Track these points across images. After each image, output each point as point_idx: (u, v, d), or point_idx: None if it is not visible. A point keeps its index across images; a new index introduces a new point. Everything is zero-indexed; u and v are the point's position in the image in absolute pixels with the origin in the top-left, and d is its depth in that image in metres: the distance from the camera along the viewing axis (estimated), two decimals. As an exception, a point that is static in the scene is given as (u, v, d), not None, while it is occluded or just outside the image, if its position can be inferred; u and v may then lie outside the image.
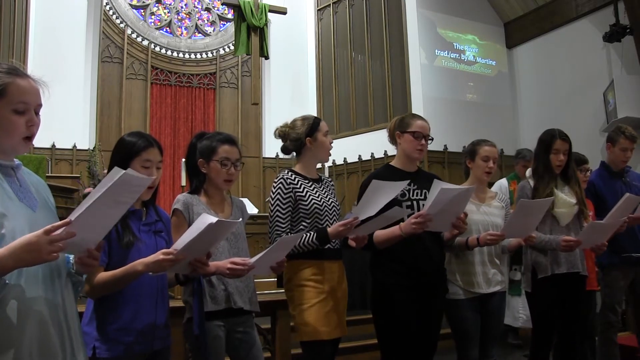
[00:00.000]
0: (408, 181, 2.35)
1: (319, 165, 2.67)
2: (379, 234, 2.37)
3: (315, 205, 2.40)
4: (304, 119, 2.55)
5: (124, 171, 1.29)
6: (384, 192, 2.17)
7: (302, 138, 2.50)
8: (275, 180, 2.45)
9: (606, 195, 3.36)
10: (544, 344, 2.84)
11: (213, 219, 1.65)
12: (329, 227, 2.33)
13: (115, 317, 1.77)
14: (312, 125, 2.50)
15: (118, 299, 1.78)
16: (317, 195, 2.45)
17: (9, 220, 1.30)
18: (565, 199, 2.80)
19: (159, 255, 1.65)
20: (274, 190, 2.42)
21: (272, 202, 2.42)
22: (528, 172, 3.03)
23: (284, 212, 2.38)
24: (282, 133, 2.56)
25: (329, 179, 2.68)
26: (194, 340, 2.07)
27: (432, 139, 2.58)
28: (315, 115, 2.87)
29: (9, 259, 1.20)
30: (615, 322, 3.35)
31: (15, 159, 1.42)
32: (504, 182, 4.57)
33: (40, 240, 1.20)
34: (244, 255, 2.15)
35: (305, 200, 2.40)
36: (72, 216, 1.26)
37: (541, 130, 3.00)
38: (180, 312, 2.19)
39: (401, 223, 2.32)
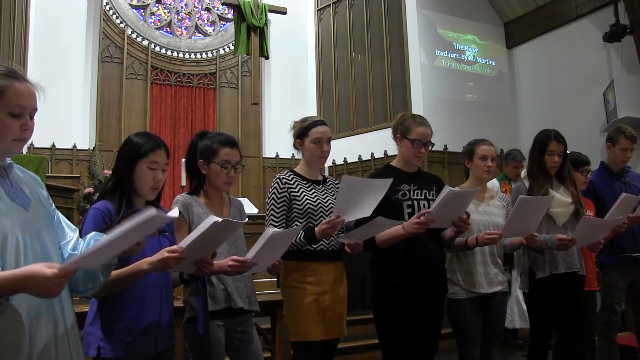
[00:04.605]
0: (391, 180, 2.22)
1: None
2: (382, 234, 2.37)
3: (309, 205, 2.40)
4: (304, 120, 2.55)
5: (153, 210, 1.34)
6: (367, 191, 2.14)
7: (294, 138, 2.54)
8: (273, 180, 2.48)
9: (605, 195, 3.35)
10: (542, 344, 2.83)
11: (219, 218, 1.65)
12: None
13: (119, 317, 1.77)
14: (303, 129, 2.50)
15: (122, 298, 1.77)
16: (312, 195, 2.44)
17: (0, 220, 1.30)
18: (561, 198, 2.79)
19: (163, 253, 1.65)
20: (270, 190, 2.46)
21: (268, 202, 2.45)
22: (523, 172, 3.03)
23: (278, 211, 2.40)
24: (291, 128, 2.58)
25: (335, 181, 2.65)
26: (195, 340, 2.07)
27: (434, 145, 2.57)
28: (317, 116, 2.86)
29: (9, 285, 1.20)
30: (615, 322, 3.35)
31: (7, 159, 1.42)
32: (495, 182, 4.55)
33: (54, 281, 1.20)
34: (243, 256, 2.15)
35: (300, 200, 2.40)
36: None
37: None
38: (180, 312, 2.19)
39: (404, 222, 2.32)
